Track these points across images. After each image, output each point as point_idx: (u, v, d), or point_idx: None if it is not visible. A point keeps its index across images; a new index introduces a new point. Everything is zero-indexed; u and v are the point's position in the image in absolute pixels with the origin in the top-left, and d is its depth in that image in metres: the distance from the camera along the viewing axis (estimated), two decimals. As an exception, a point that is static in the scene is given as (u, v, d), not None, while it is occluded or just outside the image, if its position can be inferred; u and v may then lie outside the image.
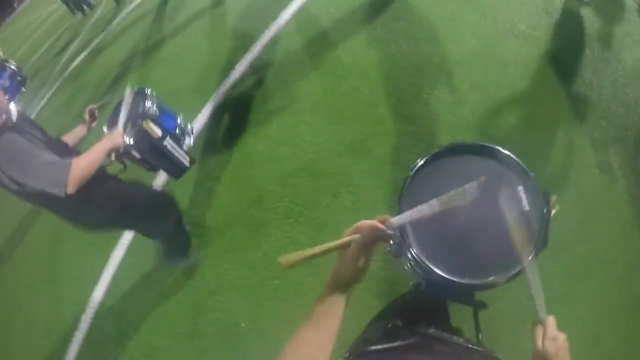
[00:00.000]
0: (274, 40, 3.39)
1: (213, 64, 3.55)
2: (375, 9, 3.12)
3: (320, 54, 3.07)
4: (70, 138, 1.91)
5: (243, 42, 3.51)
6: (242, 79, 3.24)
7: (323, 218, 2.30)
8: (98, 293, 2.57)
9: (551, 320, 0.71)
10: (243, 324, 2.12)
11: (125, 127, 1.83)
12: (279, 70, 3.16)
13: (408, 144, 2.36)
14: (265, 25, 3.45)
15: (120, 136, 1.71)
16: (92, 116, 1.97)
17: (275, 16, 3.50)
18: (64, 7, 8.02)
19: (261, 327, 2.09)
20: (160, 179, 2.93)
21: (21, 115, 3.18)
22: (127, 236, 2.74)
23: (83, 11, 7.37)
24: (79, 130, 1.96)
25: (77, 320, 2.51)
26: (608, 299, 1.73)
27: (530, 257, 0.80)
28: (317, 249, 0.61)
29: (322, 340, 0.59)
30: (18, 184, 1.49)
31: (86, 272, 2.74)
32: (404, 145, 2.36)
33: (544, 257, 1.03)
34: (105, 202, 1.80)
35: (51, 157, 1.49)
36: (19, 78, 3.49)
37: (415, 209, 0.65)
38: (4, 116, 1.53)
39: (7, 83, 3.26)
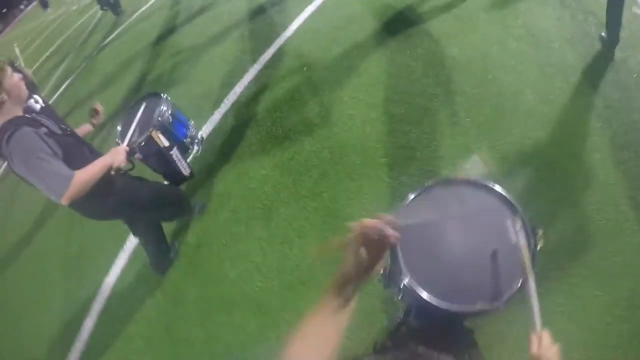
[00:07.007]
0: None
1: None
2: (390, 33, 3.30)
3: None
4: (78, 132, 1.94)
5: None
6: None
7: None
8: (110, 279, 2.69)
9: (547, 332, 0.83)
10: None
11: (131, 139, 1.93)
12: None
13: (408, 172, 2.35)
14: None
15: (122, 154, 1.74)
16: (95, 113, 2.06)
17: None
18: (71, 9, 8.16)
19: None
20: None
21: (42, 105, 3.21)
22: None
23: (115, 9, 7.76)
24: (84, 127, 2.06)
25: (88, 304, 2.64)
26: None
27: (529, 278, 0.91)
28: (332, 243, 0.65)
29: (328, 333, 0.61)
30: (21, 178, 1.56)
31: (99, 261, 2.88)
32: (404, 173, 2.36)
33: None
34: (113, 197, 1.85)
35: (57, 165, 1.51)
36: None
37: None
38: (25, 106, 1.59)
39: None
